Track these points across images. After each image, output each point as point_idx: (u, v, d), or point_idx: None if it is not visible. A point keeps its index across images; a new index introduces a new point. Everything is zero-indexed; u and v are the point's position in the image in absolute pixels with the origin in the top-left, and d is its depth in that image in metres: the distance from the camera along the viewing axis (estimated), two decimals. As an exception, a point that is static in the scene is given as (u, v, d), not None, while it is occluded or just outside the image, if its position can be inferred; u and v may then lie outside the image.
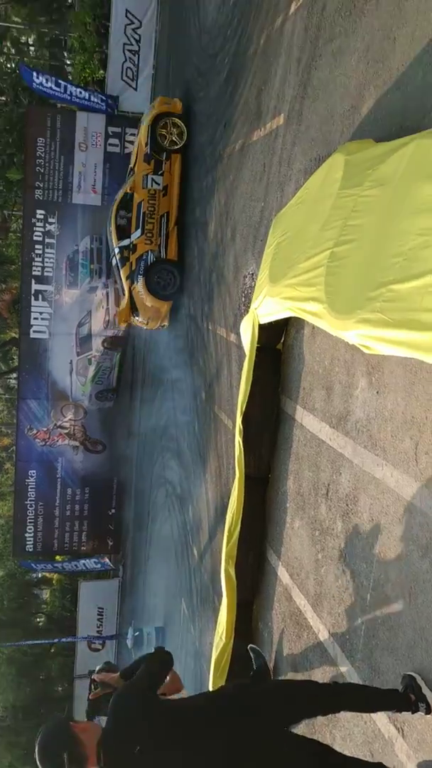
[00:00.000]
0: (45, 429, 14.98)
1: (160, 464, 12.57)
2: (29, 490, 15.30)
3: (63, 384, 14.98)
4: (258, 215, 6.79)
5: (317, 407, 4.39)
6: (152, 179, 11.00)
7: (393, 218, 2.96)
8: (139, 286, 11.10)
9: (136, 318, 11.69)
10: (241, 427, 5.02)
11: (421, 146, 2.96)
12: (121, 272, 11.39)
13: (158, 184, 10.99)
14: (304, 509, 4.61)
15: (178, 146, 10.83)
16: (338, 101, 4.78)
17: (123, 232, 11.35)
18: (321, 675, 4.16)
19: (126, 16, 14.36)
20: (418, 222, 2.74)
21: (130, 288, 11.37)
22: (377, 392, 3.55)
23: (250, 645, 5.26)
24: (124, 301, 11.64)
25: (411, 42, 3.78)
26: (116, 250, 11.47)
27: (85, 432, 15.14)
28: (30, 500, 15.32)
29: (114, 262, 11.87)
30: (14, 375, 22.34)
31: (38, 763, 2.68)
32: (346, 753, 3.60)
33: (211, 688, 5.35)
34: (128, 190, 11.21)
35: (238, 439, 5.05)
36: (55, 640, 17.58)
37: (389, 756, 3.26)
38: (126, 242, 11.23)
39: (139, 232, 11.05)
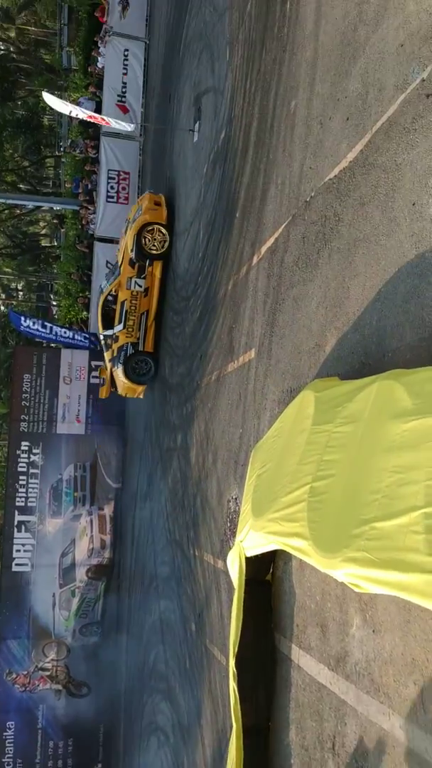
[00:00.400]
0: (25, 672, 13.87)
1: (150, 707, 11.49)
2: (7, 745, 13.75)
3: (45, 619, 14.19)
4: (237, 441, 6.97)
5: (313, 646, 4.14)
6: (135, 282, 11.97)
7: (366, 455, 3.04)
8: (119, 371, 12.05)
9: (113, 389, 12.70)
10: (235, 670, 4.67)
11: (384, 387, 3.13)
12: (105, 355, 12.53)
13: (140, 287, 11.95)
14: (310, 765, 4.14)
15: (160, 252, 11.77)
16: (303, 339, 5.15)
17: (108, 321, 12.29)
18: None
19: (106, 266, 15.89)
20: (391, 460, 2.82)
21: (111, 369, 12.39)
22: (373, 631, 3.37)
23: None
24: (106, 379, 12.74)
25: (363, 290, 4.17)
26: (101, 337, 12.55)
27: (68, 673, 14.01)
28: (8, 757, 13.70)
29: (99, 345, 13.12)
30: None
31: None
32: None
33: None
34: (113, 291, 12.14)
35: (233, 685, 4.67)
36: None
37: None
38: (109, 332, 12.25)
39: (121, 326, 11.98)
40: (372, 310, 4.01)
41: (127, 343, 11.99)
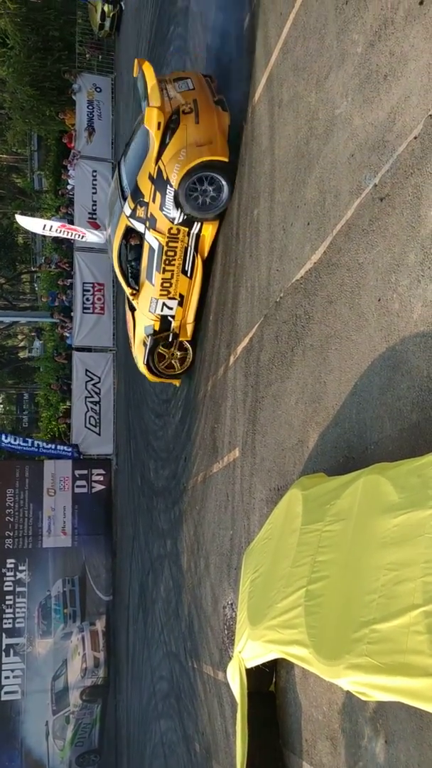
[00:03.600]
0: None
1: None
2: None
3: (39, 751, 13.28)
4: (228, 543, 6.82)
5: (325, 762, 3.89)
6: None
7: (359, 554, 2.98)
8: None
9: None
10: (245, 797, 4.36)
11: (369, 482, 3.12)
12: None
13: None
14: None
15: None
16: (286, 436, 5.16)
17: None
18: None
19: (86, 374, 16.06)
20: (385, 557, 2.77)
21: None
22: (386, 741, 3.20)
23: None
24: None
25: (339, 385, 4.24)
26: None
27: None
28: None
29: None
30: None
31: None
32: None
33: None
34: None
35: None
36: None
37: None
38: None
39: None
40: (350, 403, 4.06)
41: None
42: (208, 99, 7.29)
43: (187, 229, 7.53)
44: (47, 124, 20.76)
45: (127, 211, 7.81)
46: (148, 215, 7.57)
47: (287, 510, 4.09)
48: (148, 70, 7.38)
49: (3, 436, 15.41)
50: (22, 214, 11.06)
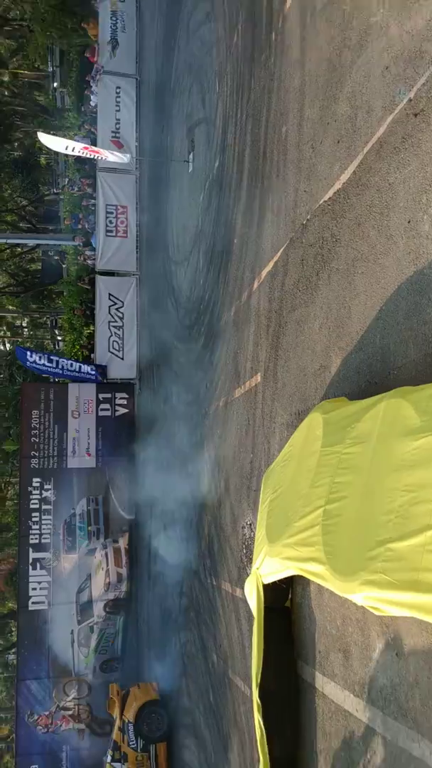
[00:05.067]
0: (47, 713, 13.66)
1: (175, 743, 11.28)
2: (31, 789, 13.51)
3: (65, 657, 14.01)
4: (249, 466, 6.93)
5: (337, 673, 4.06)
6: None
7: (378, 475, 3.01)
8: None
9: None
10: (259, 702, 4.59)
11: (391, 405, 3.11)
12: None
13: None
14: (341, 798, 4.03)
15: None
16: (308, 361, 5.15)
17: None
18: None
19: (109, 299, 16.01)
20: (403, 479, 2.79)
21: None
22: (396, 654, 3.31)
23: None
24: None
25: (364, 309, 4.18)
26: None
27: (91, 711, 13.80)
28: (32, 802, 13.47)
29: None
30: (13, 651, 20.95)
31: None
32: None
33: None
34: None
35: (258, 718, 4.58)
36: None
37: None
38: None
39: None
40: (374, 328, 4.01)
41: None
42: None
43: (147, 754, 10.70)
44: (69, 37, 19.99)
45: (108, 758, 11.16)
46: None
47: (307, 433, 4.12)
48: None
49: (29, 354, 15.55)
50: (44, 132, 10.77)
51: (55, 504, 14.29)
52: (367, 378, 4.05)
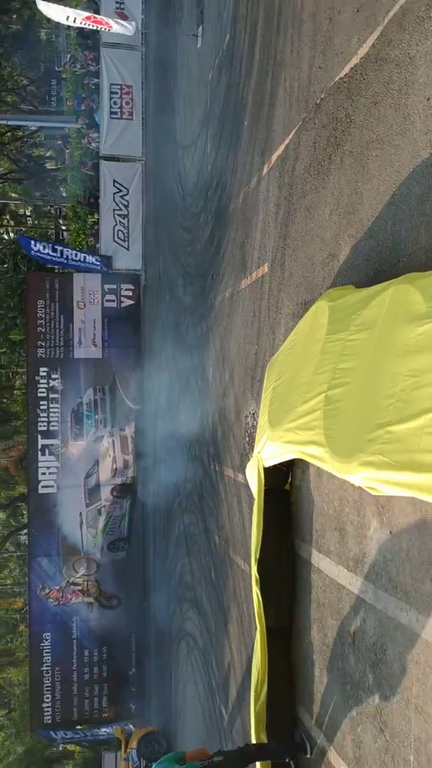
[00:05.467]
0: (58, 587, 14.51)
1: (178, 616, 12.04)
2: (44, 654, 14.56)
3: (74, 538, 14.71)
4: (253, 357, 6.97)
5: (332, 550, 4.26)
6: None
7: (381, 361, 3.02)
8: None
9: None
10: (257, 576, 4.85)
11: (399, 291, 3.08)
12: None
13: None
14: (332, 661, 4.35)
15: None
16: (317, 250, 5.05)
17: None
18: None
19: (114, 185, 15.55)
20: (406, 364, 2.81)
21: None
22: (390, 532, 3.46)
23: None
24: None
25: (377, 195, 4.05)
26: None
27: (99, 587, 14.65)
28: (46, 666, 14.55)
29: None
30: (25, 531, 21.97)
31: None
32: None
33: None
34: None
35: (256, 590, 4.86)
36: None
37: None
38: None
39: None
40: (386, 214, 3.91)
41: None
42: None
43: None
44: None
45: None
46: None
47: (313, 321, 4.11)
48: None
49: (33, 243, 15.32)
50: (43, 0, 10.05)
51: (63, 393, 14.52)
52: (376, 266, 3.99)
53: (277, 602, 4.92)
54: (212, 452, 9.11)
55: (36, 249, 15.55)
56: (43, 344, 14.62)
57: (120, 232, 15.50)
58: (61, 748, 21.65)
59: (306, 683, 4.80)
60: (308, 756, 4.70)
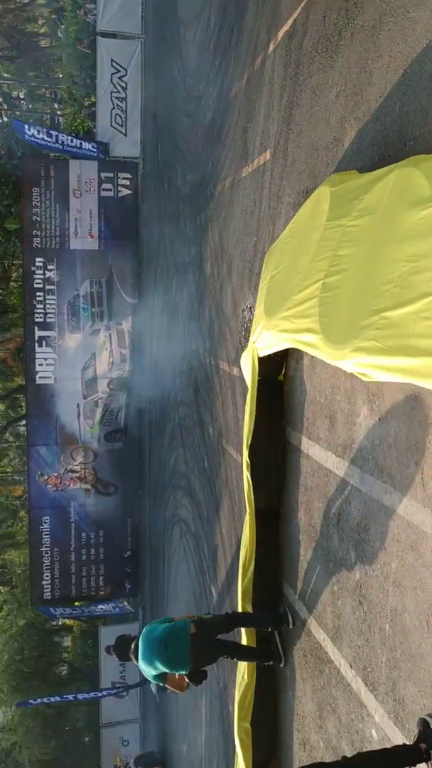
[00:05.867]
0: (56, 474, 14.96)
1: (172, 503, 12.50)
2: (44, 536, 15.21)
3: (71, 428, 15.00)
4: (252, 250, 6.87)
5: (322, 436, 4.38)
6: None
7: (381, 246, 2.99)
8: None
9: None
10: (249, 461, 5.01)
11: (402, 174, 3.00)
12: None
13: None
14: (317, 540, 4.56)
15: None
16: (321, 134, 4.87)
17: None
18: (345, 711, 4.07)
19: (111, 65, 14.73)
20: (406, 249, 2.77)
21: None
22: (379, 419, 3.54)
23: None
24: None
25: (386, 74, 3.86)
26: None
27: (96, 475, 15.10)
28: (45, 547, 15.22)
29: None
30: (23, 422, 22.39)
31: None
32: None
33: (236, 727, 5.26)
34: None
35: (246, 474, 5.03)
36: (72, 697, 17.16)
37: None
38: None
39: None
40: (395, 95, 3.74)
41: None
42: None
43: None
44: None
45: None
46: None
47: (314, 207, 4.03)
48: None
49: (27, 128, 14.69)
50: None
51: (59, 285, 14.37)
52: (381, 150, 3.85)
53: (267, 486, 5.11)
54: (208, 346, 9.16)
55: (30, 133, 14.91)
56: (39, 234, 14.30)
57: (118, 117, 14.82)
58: (60, 623, 23.06)
59: (291, 561, 5.06)
60: (290, 627, 5.02)
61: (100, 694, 16.66)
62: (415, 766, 2.95)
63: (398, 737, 3.35)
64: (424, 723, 2.96)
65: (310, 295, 3.55)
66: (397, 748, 3.04)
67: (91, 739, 20.72)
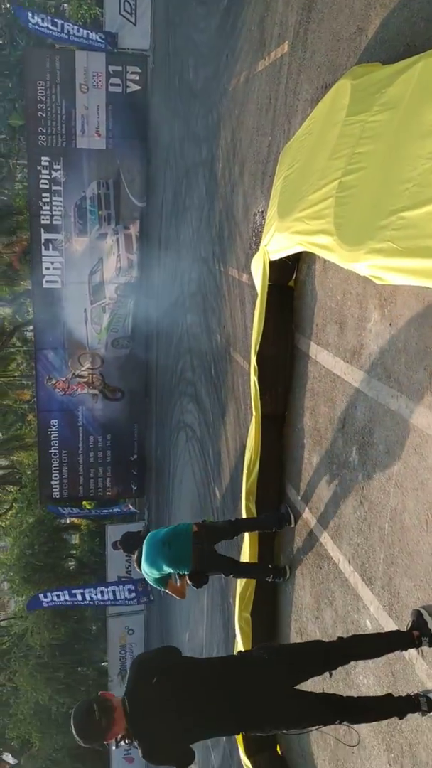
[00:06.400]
0: (64, 379, 15.13)
1: (178, 409, 12.68)
2: (52, 439, 15.56)
3: (79, 333, 15.04)
4: (265, 150, 6.63)
5: (331, 342, 4.38)
6: None
7: (402, 143, 2.87)
8: None
9: None
10: (256, 366, 5.03)
11: (428, 65, 2.85)
12: None
13: None
14: (321, 444, 4.65)
15: None
16: (344, 24, 4.59)
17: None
18: (342, 603, 4.28)
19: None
20: (428, 145, 2.67)
21: None
22: (390, 324, 3.53)
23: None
24: None
25: None
26: None
27: (104, 380, 15.27)
28: (54, 449, 15.60)
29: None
30: (31, 327, 22.40)
31: (72, 717, 3.13)
32: (369, 675, 3.75)
33: (236, 617, 5.55)
34: None
35: (254, 379, 5.07)
36: (83, 602, 17.67)
37: (410, 675, 3.38)
38: None
39: None
40: (426, -23, 3.49)
41: None
42: None
43: None
44: None
45: None
46: None
47: (333, 102, 3.85)
48: None
49: (30, 15, 13.91)
50: None
51: (65, 185, 14.00)
52: (407, 41, 3.64)
53: (274, 391, 5.16)
54: (217, 252, 9.01)
55: (34, 21, 14.11)
56: (44, 131, 13.81)
57: (127, 4, 13.97)
58: (68, 521, 23.94)
59: (295, 464, 5.18)
60: (292, 526, 5.20)
61: (111, 599, 16.55)
62: (406, 650, 3.14)
63: (392, 627, 3.54)
64: (417, 614, 3.12)
65: (326, 194, 3.44)
66: (390, 634, 3.23)
67: (98, 627, 21.96)
